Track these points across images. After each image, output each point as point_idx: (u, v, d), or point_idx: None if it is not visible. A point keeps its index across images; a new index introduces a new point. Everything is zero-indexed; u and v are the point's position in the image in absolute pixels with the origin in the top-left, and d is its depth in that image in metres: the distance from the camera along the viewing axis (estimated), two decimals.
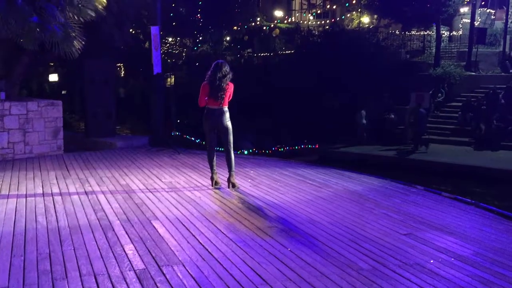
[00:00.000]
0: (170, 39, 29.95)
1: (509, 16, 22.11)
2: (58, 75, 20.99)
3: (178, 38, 30.80)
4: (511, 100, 16.73)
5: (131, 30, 20.85)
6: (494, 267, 4.11)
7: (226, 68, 6.46)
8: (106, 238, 4.70)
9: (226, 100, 6.50)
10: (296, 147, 13.32)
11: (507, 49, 20.83)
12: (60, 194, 6.41)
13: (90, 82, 10.84)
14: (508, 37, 21.23)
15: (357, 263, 4.15)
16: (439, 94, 18.71)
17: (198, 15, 28.81)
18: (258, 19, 31.82)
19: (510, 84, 17.75)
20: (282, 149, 12.29)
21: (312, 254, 4.32)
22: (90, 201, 6.08)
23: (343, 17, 29.55)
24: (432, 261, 4.21)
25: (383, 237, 4.83)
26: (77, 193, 6.45)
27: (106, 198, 6.20)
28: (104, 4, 9.20)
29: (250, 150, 13.23)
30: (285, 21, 32.32)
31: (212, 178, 6.84)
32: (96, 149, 10.13)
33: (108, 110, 11.08)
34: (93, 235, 4.79)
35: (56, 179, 7.30)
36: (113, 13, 11.15)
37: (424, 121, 15.96)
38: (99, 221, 5.25)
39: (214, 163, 6.80)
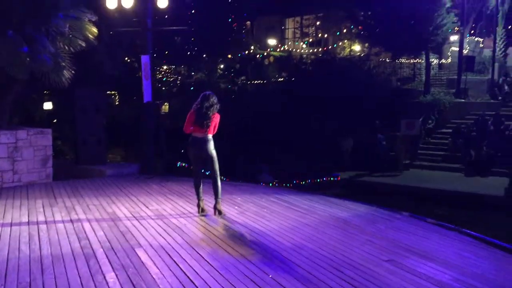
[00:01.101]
0: (164, 67, 30.29)
1: (496, 45, 22.55)
2: (52, 103, 21.11)
3: (173, 66, 31.17)
4: (500, 127, 16.92)
5: (126, 58, 21.14)
6: None
7: (214, 99, 6.60)
8: (88, 267, 4.69)
9: (212, 129, 6.60)
10: (318, 180, 12.76)
11: (495, 77, 21.17)
12: (46, 222, 6.40)
13: (81, 110, 10.95)
14: (496, 64, 21.61)
15: None
16: (430, 121, 18.91)
17: (192, 44, 29.23)
18: (252, 47, 32.31)
19: (499, 111, 17.99)
20: (304, 182, 11.95)
21: (293, 281, 4.33)
22: (75, 229, 6.08)
23: (335, 45, 30.03)
24: (411, 287, 4.22)
25: (365, 263, 4.85)
26: (63, 221, 6.45)
27: (91, 226, 6.20)
28: (95, 34, 9.38)
29: (270, 184, 12.55)
30: (278, 49, 32.81)
31: (198, 205, 6.87)
32: (86, 177, 10.16)
33: (99, 138, 11.16)
34: (75, 263, 4.79)
35: (43, 207, 7.30)
36: (105, 42, 11.34)
37: (381, 145, 16.74)
38: (82, 249, 5.25)
39: (201, 190, 6.84)
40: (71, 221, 6.49)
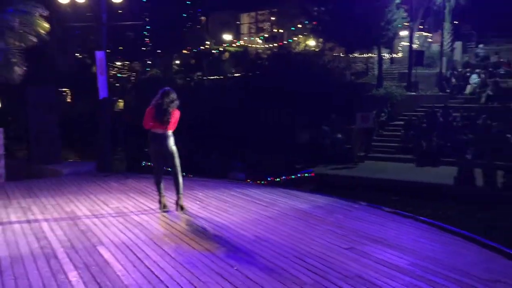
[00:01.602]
0: (118, 63, 29.70)
1: (444, 39, 23.44)
2: (2, 102, 20.31)
3: (127, 62, 30.61)
4: (448, 118, 17.64)
5: (77, 54, 20.61)
6: (428, 275, 4.35)
7: (173, 95, 6.57)
8: (49, 266, 4.62)
9: (172, 125, 6.58)
10: (293, 176, 12.51)
11: (443, 70, 22.00)
12: (1, 223, 6.22)
13: (33, 107, 10.62)
14: (444, 59, 22.46)
15: (301, 278, 4.28)
16: (383, 114, 19.47)
17: (147, 39, 28.81)
18: (207, 43, 32.16)
19: (447, 103, 18.75)
20: (279, 179, 11.73)
21: (257, 272, 4.42)
22: (33, 229, 5.94)
23: (290, 40, 30.35)
24: (371, 272, 4.40)
25: (326, 252, 5.00)
26: (19, 222, 6.28)
27: (50, 226, 6.08)
28: (47, 29, 9.12)
29: (248, 182, 11.65)
30: (234, 45, 32.81)
31: (160, 202, 6.84)
32: (40, 177, 9.88)
33: (53, 136, 10.86)
34: (36, 263, 4.70)
35: None
36: (57, 38, 11.06)
37: (327, 137, 17.14)
38: (42, 249, 5.14)
39: (162, 186, 6.82)
40: (28, 221, 6.33)
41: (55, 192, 8.32)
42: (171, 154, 6.62)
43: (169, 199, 7.01)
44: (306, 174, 12.88)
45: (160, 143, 6.57)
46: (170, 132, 6.60)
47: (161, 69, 30.80)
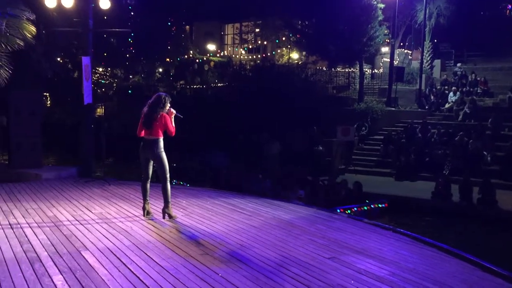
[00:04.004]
0: (100, 69, 29.54)
1: (424, 57, 24.02)
2: None
3: (109, 69, 30.46)
4: (427, 134, 18.03)
5: (59, 59, 20.46)
6: (408, 285, 4.48)
7: (162, 99, 6.55)
8: (34, 270, 4.60)
9: (159, 131, 6.54)
10: (365, 208, 10.91)
11: (423, 87, 22.51)
12: None
13: (16, 111, 10.52)
14: (423, 75, 23.00)
15: (285, 286, 4.37)
16: (363, 128, 19.79)
17: (130, 46, 28.75)
18: (191, 52, 32.23)
19: (425, 119, 19.16)
20: (349, 211, 9.74)
21: (242, 279, 4.49)
22: (15, 233, 5.90)
23: (273, 52, 30.65)
24: (352, 281, 4.52)
25: (309, 261, 5.10)
26: (1, 226, 6.23)
27: (33, 230, 6.05)
28: (34, 33, 9.10)
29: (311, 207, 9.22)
30: (218, 55, 32.96)
31: (144, 208, 6.85)
32: (21, 181, 9.77)
33: (35, 141, 10.76)
34: (20, 267, 4.68)
35: None
36: (42, 42, 10.99)
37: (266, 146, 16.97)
38: (25, 253, 5.12)
39: (147, 193, 6.82)
40: (10, 225, 6.28)
41: (37, 196, 8.25)
42: (159, 160, 6.58)
43: (154, 205, 7.03)
44: (380, 205, 11.33)
45: (146, 148, 6.58)
46: (157, 138, 6.53)
47: (144, 77, 30.73)
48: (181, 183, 11.87)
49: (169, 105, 6.64)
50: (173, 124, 6.67)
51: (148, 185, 6.79)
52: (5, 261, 4.83)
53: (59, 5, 10.10)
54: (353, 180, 12.95)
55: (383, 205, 11.43)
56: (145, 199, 6.81)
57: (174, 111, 6.71)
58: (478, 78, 22.20)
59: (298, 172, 13.25)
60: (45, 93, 25.35)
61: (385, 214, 11.27)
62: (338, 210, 8.56)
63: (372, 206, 11.05)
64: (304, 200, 10.45)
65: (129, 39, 28.16)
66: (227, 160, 15.04)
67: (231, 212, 7.37)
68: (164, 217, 6.72)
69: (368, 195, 13.79)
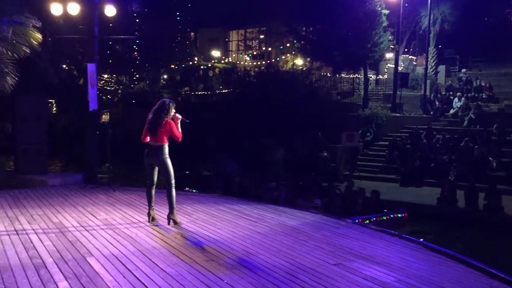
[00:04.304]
0: (105, 76, 29.70)
1: (428, 63, 24.00)
2: None
3: (114, 75, 30.61)
4: (432, 140, 17.98)
5: (65, 66, 20.56)
6: None
7: (166, 106, 6.56)
8: (39, 276, 4.61)
9: (164, 137, 6.52)
10: (384, 218, 10.49)
11: (427, 93, 22.48)
12: None
13: (22, 118, 10.57)
14: (428, 81, 22.97)
15: None
16: (368, 134, 19.77)
17: (135, 53, 28.91)
18: (196, 58, 32.36)
19: (430, 125, 19.12)
20: (368, 221, 9.47)
21: (247, 286, 4.47)
22: (21, 239, 5.91)
23: (278, 58, 30.72)
24: None
25: (315, 267, 5.07)
26: (7, 232, 6.24)
27: (38, 236, 6.05)
28: (40, 40, 9.16)
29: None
30: (222, 61, 33.07)
31: (149, 214, 6.85)
32: (27, 187, 9.80)
33: (40, 147, 10.80)
34: (25, 273, 4.68)
35: None
36: (48, 49, 11.06)
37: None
38: (31, 259, 5.13)
39: (152, 199, 6.80)
40: (16, 231, 6.29)
41: (42, 202, 8.27)
42: (163, 166, 6.57)
43: (159, 212, 7.03)
44: (399, 215, 10.96)
45: (151, 154, 6.58)
46: (163, 144, 6.52)
47: (148, 83, 30.87)
48: (194, 190, 11.73)
49: (174, 111, 6.63)
50: (180, 130, 6.66)
51: (153, 191, 6.79)
52: (11, 267, 4.84)
53: (65, 12, 10.18)
54: (357, 186, 12.89)
55: (403, 215, 11.10)
56: (150, 205, 6.81)
57: (180, 116, 6.70)
58: (483, 84, 22.14)
59: (314, 180, 13.04)
60: (51, 100, 25.49)
61: (404, 224, 11.04)
62: (356, 220, 8.05)
63: (391, 215, 10.72)
64: (320, 209, 10.14)
65: (134, 46, 28.33)
66: (239, 166, 14.89)
67: (236, 218, 7.36)
68: (169, 223, 6.71)
69: (384, 202, 13.71)
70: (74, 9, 10.16)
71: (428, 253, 5.90)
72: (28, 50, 8.72)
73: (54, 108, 29.17)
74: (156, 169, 6.70)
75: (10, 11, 8.31)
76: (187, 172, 15.69)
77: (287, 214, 7.81)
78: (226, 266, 5.01)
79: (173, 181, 6.62)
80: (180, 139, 6.62)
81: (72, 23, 11.93)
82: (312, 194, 11.24)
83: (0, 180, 10.14)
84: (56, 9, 10.08)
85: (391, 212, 10.84)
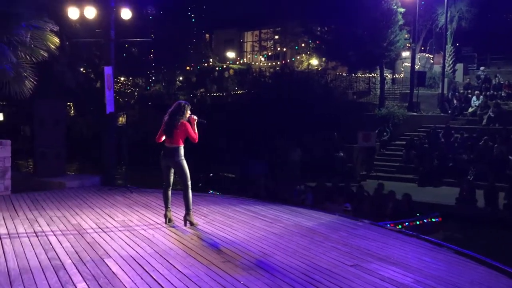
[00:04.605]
0: (122, 79, 29.98)
1: (446, 61, 23.71)
2: (4, 115, 20.54)
3: (130, 78, 30.88)
4: (450, 139, 17.76)
5: (82, 69, 20.84)
6: None
7: (182, 107, 6.58)
8: (58, 277, 4.66)
9: (179, 139, 6.55)
10: (418, 222, 10.01)
11: (445, 91, 22.22)
12: (8, 235, 6.27)
13: (40, 121, 10.73)
14: (445, 80, 22.70)
15: None
16: (384, 133, 19.61)
17: (151, 55, 29.12)
18: (211, 60, 32.48)
19: (448, 124, 18.89)
20: (400, 226, 9.02)
21: (264, 287, 4.46)
22: (40, 241, 5.99)
23: (293, 59, 30.66)
24: None
25: (332, 268, 5.05)
26: (26, 234, 6.33)
27: (57, 238, 6.13)
28: (57, 44, 9.28)
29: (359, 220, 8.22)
30: (237, 62, 33.13)
31: (165, 216, 6.89)
32: (45, 189, 9.94)
33: (58, 150, 10.95)
34: (44, 274, 4.75)
35: (4, 219, 7.12)
36: (66, 53, 11.21)
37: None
38: (50, 260, 5.19)
39: (169, 200, 6.83)
40: (35, 233, 6.38)
41: (61, 204, 8.38)
42: (179, 168, 6.61)
43: (175, 213, 7.06)
44: (433, 219, 10.38)
45: (167, 156, 6.62)
46: (178, 146, 6.56)
47: (164, 85, 31.08)
48: (217, 193, 11.55)
49: (189, 112, 6.65)
50: (196, 131, 6.67)
51: (170, 192, 6.83)
52: (30, 269, 4.91)
53: (82, 16, 10.31)
54: (374, 186, 12.75)
55: (437, 219, 10.49)
56: (166, 207, 6.85)
57: (196, 118, 6.70)
58: (502, 82, 21.80)
59: (342, 183, 12.71)
60: (68, 103, 25.83)
61: (439, 228, 10.49)
62: (388, 225, 7.81)
63: (425, 220, 10.21)
64: (351, 213, 9.63)
65: (150, 49, 28.54)
66: (265, 169, 14.60)
67: (252, 219, 7.36)
68: (185, 225, 6.74)
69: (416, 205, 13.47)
70: (91, 13, 10.29)
71: (445, 253, 5.82)
72: (46, 54, 8.85)
73: (72, 112, 29.57)
74: (172, 170, 6.75)
75: (28, 15, 8.45)
76: (211, 174, 15.61)
77: (303, 215, 7.79)
78: (242, 267, 5.02)
79: (189, 183, 6.66)
80: (196, 141, 6.64)
81: (88, 27, 12.08)
82: (340, 197, 10.91)
83: (19, 182, 10.27)
84: (73, 13, 10.23)
85: (424, 217, 10.32)
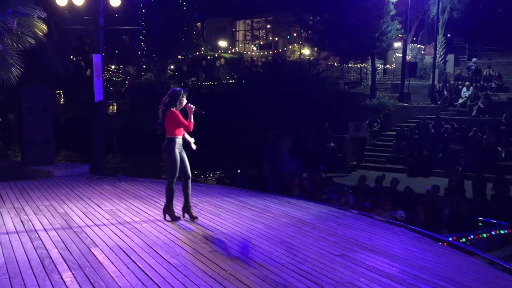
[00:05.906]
0: (113, 67, 29.71)
1: (437, 52, 23.75)
2: None
3: (121, 66, 30.62)
4: (440, 130, 17.84)
5: (72, 57, 20.60)
6: (418, 283, 4.42)
7: (177, 95, 6.19)
8: (43, 266, 4.63)
9: (170, 129, 6.20)
10: (484, 235, 8.83)
11: (436, 82, 22.28)
12: None
13: (28, 109, 10.60)
14: (436, 71, 22.76)
15: (294, 283, 4.33)
16: (375, 124, 19.65)
17: (142, 43, 28.86)
18: (202, 48, 32.27)
19: (439, 115, 18.96)
20: (464, 239, 8.11)
21: (251, 276, 4.46)
22: (26, 229, 5.94)
23: (285, 48, 30.56)
24: (362, 279, 4.46)
25: (319, 258, 5.05)
26: (12, 222, 6.28)
27: (43, 227, 6.09)
28: (45, 31, 9.14)
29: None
30: (229, 51, 32.94)
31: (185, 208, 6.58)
32: (33, 178, 9.85)
33: (47, 138, 10.83)
34: (30, 263, 4.71)
35: None
36: (54, 40, 11.06)
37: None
38: (35, 249, 5.15)
39: (189, 194, 6.47)
40: (21, 221, 6.33)
41: (48, 193, 8.32)
42: (166, 160, 6.35)
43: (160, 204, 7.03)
44: (502, 231, 9.21)
45: (162, 148, 6.36)
46: (168, 137, 6.23)
47: (156, 74, 30.87)
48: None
49: (185, 101, 6.27)
50: (192, 120, 6.28)
51: (190, 183, 6.42)
52: (15, 258, 4.86)
53: (70, 3, 10.13)
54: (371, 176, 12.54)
55: (506, 231, 9.35)
56: (186, 200, 6.48)
57: (193, 107, 6.32)
58: (492, 73, 21.89)
59: (390, 187, 11.36)
60: (58, 91, 25.57)
61: (507, 241, 9.42)
62: (450, 239, 6.67)
63: (492, 233, 9.10)
64: (406, 222, 7.60)
65: (141, 37, 28.28)
66: (299, 167, 13.57)
67: (241, 209, 7.35)
68: (183, 216, 6.56)
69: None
70: (79, 0, 10.13)
71: (432, 244, 5.85)
72: (33, 41, 8.71)
73: (62, 100, 29.31)
74: (185, 161, 6.38)
75: (14, 2, 8.30)
76: (238, 171, 15.22)
77: (292, 205, 7.79)
78: (229, 257, 5.01)
79: (171, 177, 6.32)
80: (191, 129, 6.26)
81: (77, 14, 11.92)
82: (386, 202, 9.38)
83: (7, 171, 10.19)
84: (61, 0, 10.05)
85: (491, 229, 9.27)
